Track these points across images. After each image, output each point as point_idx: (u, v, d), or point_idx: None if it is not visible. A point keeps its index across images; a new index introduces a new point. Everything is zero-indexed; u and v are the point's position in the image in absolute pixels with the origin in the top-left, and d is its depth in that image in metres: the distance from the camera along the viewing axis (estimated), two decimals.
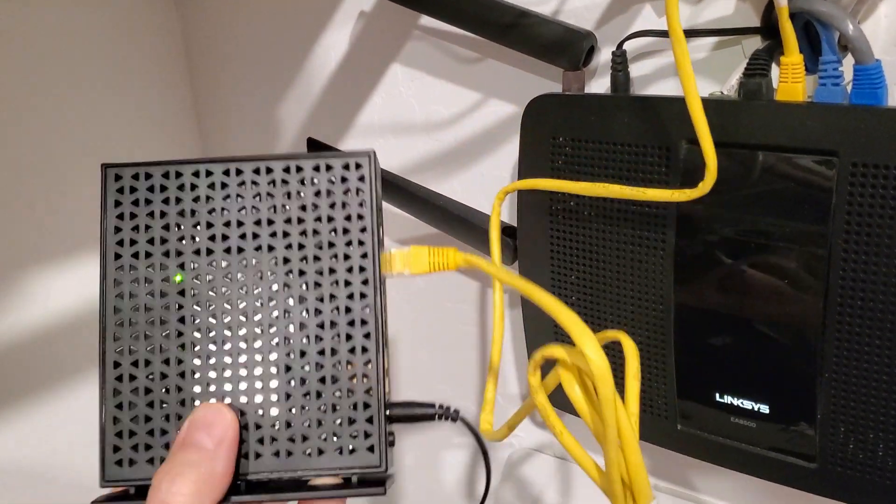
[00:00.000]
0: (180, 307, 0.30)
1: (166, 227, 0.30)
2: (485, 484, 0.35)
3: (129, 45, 0.64)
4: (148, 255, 0.30)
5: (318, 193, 0.30)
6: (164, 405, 0.29)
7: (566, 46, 0.44)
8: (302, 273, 0.30)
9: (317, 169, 0.30)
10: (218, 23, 0.66)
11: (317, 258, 0.30)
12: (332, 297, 0.30)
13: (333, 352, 0.29)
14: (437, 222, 0.52)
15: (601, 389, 0.26)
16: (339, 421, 0.29)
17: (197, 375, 0.30)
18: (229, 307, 0.30)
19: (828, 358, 0.36)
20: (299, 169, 0.30)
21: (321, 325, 0.29)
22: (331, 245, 0.30)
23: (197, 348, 0.30)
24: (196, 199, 0.30)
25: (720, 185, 0.35)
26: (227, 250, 0.30)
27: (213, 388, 0.29)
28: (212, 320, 0.30)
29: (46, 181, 0.59)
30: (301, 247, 0.30)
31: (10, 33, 0.57)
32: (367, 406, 0.29)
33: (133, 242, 0.30)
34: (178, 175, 0.31)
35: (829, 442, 0.37)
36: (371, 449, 0.29)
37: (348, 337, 0.29)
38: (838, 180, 0.34)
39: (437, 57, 0.53)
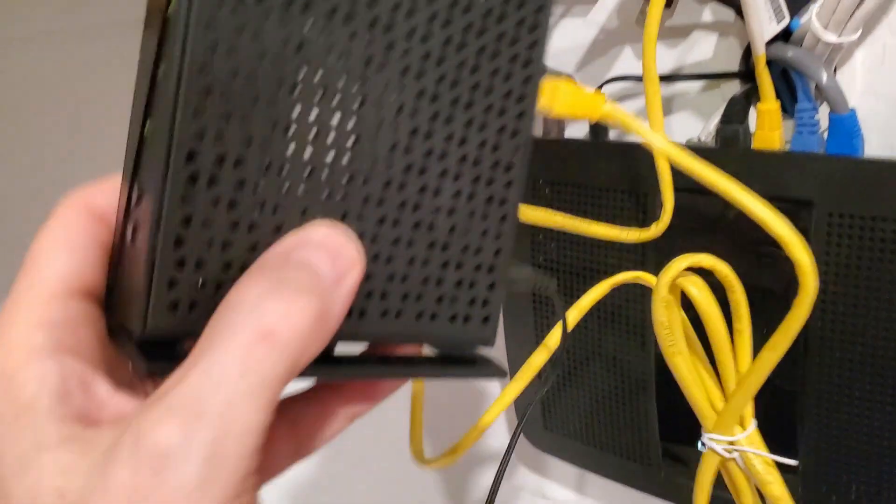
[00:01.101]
0: (293, 88, 0.19)
1: None
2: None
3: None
4: None
5: None
6: (253, 229, 0.19)
7: None
8: (454, 84, 0.21)
9: None
10: None
11: (475, 69, 0.21)
12: (482, 125, 0.22)
13: (471, 197, 0.22)
14: None
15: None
16: (459, 282, 0.23)
17: (300, 194, 0.20)
18: (356, 105, 0.20)
19: (808, 409, 0.36)
20: None
21: (463, 159, 0.22)
22: (494, 55, 0.21)
23: (306, 155, 0.19)
24: None
25: (696, 230, 0.35)
26: (373, 23, 0.20)
27: (318, 213, 0.20)
28: (331, 120, 0.20)
29: (50, 187, 0.59)
30: (461, 47, 0.21)
31: (12, 43, 0.57)
32: (491, 269, 0.23)
33: None
34: None
35: (811, 492, 0.37)
36: (486, 320, 0.23)
37: (489, 182, 0.22)
38: (814, 230, 0.34)
39: None
